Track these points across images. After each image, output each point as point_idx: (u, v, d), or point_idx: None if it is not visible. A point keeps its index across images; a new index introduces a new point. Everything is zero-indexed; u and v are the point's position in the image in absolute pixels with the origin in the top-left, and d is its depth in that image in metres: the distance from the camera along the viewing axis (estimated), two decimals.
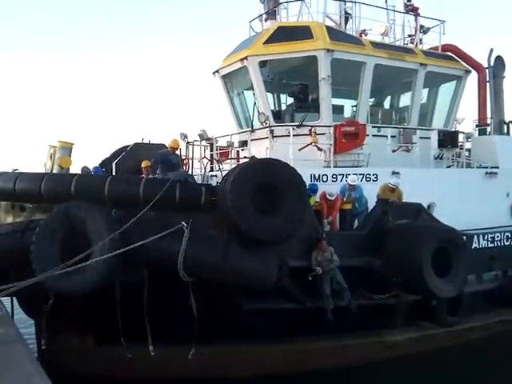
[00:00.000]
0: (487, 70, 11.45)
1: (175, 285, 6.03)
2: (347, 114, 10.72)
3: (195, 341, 6.42)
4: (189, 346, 6.50)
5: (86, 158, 9.24)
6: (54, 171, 7.89)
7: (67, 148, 8.12)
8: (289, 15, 10.38)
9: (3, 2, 36.69)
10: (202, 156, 10.07)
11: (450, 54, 11.35)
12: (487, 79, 11.46)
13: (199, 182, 9.02)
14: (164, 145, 8.90)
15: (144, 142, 9.67)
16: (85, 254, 5.34)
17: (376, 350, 7.84)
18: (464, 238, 8.05)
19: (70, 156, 8.09)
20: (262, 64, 9.65)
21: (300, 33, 9.57)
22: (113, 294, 6.21)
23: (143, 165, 8.43)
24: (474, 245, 8.79)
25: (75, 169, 8.24)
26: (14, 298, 7.00)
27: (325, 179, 8.61)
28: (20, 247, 6.01)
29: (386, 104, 11.85)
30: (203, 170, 9.83)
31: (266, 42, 9.64)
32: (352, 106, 10.77)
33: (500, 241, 9.14)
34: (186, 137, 9.92)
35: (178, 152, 8.53)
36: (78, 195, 6.22)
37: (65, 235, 5.85)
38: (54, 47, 46.39)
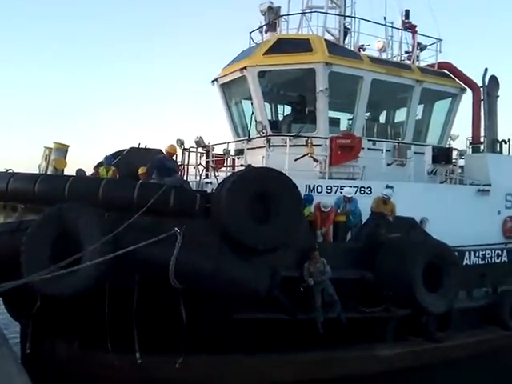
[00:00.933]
0: (482, 89, 11.68)
1: (165, 291, 5.95)
2: (343, 126, 10.83)
3: (183, 349, 6.31)
4: (176, 354, 6.39)
5: (82, 160, 9.18)
6: (49, 173, 7.83)
7: (62, 150, 8.08)
8: (289, 28, 10.54)
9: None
10: (198, 163, 10.07)
11: (445, 71, 11.56)
12: (481, 98, 11.68)
13: (194, 188, 8.99)
14: (160, 150, 8.90)
15: (140, 146, 9.64)
16: (75, 257, 5.26)
17: (366, 363, 7.80)
18: (456, 254, 8.11)
19: (65, 158, 8.05)
20: (261, 74, 9.74)
21: (299, 45, 9.69)
22: (102, 299, 6.11)
23: (140, 171, 8.42)
24: (465, 261, 8.85)
25: (70, 171, 8.18)
26: (0, 299, 6.88)
27: (319, 190, 8.64)
28: (10, 248, 5.91)
29: (382, 118, 12.00)
30: (198, 177, 9.83)
31: (266, 53, 9.74)
32: (348, 119, 10.88)
33: (491, 258, 9.21)
34: (182, 143, 9.92)
35: (174, 158, 8.54)
36: (72, 197, 6.16)
37: (56, 237, 5.77)
38: (60, 55, 46.45)
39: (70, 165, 8.16)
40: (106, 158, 8.79)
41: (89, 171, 8.82)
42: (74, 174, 8.02)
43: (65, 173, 7.97)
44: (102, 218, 5.95)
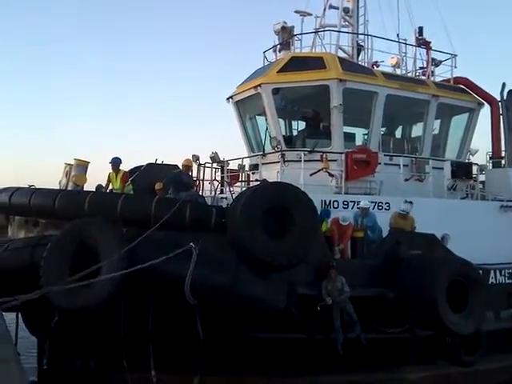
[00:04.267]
0: (500, 103, 11.48)
1: (181, 308, 5.86)
2: (359, 141, 10.75)
3: (200, 368, 6.15)
4: (193, 373, 6.23)
5: (101, 176, 9.30)
6: (69, 188, 7.97)
7: (83, 166, 8.21)
8: (302, 46, 10.70)
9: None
10: (213, 178, 10.10)
11: (462, 86, 11.45)
12: (500, 112, 11.46)
13: (209, 203, 8.98)
14: (177, 166, 8.98)
15: (157, 162, 9.77)
16: (90, 270, 5.25)
17: None
18: (480, 272, 7.76)
19: (85, 174, 8.18)
20: (275, 91, 9.84)
21: (313, 63, 9.80)
22: (117, 315, 6.05)
23: (157, 187, 8.46)
24: (491, 280, 8.46)
25: (90, 187, 8.30)
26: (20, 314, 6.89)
27: (336, 205, 8.50)
28: (30, 262, 5.99)
29: (398, 133, 11.88)
30: (214, 192, 9.83)
31: (280, 71, 9.88)
32: (363, 134, 10.81)
33: None
34: (198, 159, 10.04)
35: (190, 173, 8.57)
36: (91, 212, 6.24)
37: (76, 252, 5.82)
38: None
39: (91, 180, 8.31)
40: (113, 159, 8.46)
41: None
42: (94, 190, 8.13)
43: (85, 188, 8.08)
44: (120, 234, 5.98)
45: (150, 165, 9.60)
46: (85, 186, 8.16)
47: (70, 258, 5.76)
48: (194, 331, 6.03)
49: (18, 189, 7.22)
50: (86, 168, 8.29)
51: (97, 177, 9.21)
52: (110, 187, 8.59)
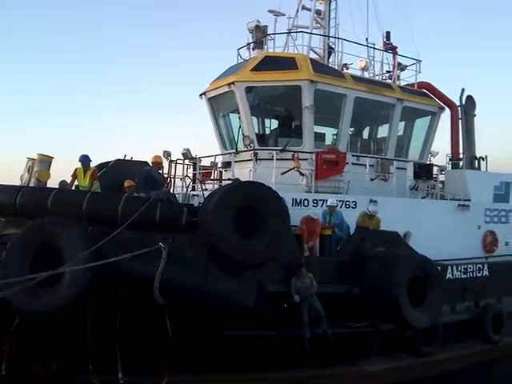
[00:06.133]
0: (459, 108, 12.17)
1: (150, 308, 5.78)
2: (328, 141, 11.02)
3: (169, 368, 6.11)
4: (161, 373, 6.18)
5: (65, 172, 8.98)
6: (31, 184, 7.61)
7: (46, 161, 7.86)
8: (275, 46, 10.79)
9: None
10: (185, 175, 10.00)
11: (425, 91, 12.02)
12: (459, 116, 12.15)
13: (180, 200, 8.89)
14: (146, 162, 8.77)
15: (126, 158, 9.50)
16: (54, 271, 5.07)
17: (351, 380, 7.71)
18: (439, 268, 8.23)
19: (48, 170, 7.83)
20: (249, 90, 9.87)
21: (285, 63, 9.92)
22: (83, 316, 5.87)
23: (126, 184, 8.21)
24: (448, 275, 8.99)
25: (53, 183, 7.95)
26: None
27: (306, 204, 8.70)
28: None
29: (365, 134, 12.29)
30: (185, 189, 9.74)
31: (253, 70, 9.92)
32: (333, 134, 11.09)
33: (472, 272, 9.39)
34: (169, 155, 9.88)
35: (160, 170, 8.39)
36: (55, 210, 5.98)
37: (37, 252, 5.56)
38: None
39: (54, 176, 7.97)
40: (83, 156, 8.15)
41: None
42: (58, 186, 7.79)
43: (48, 185, 7.73)
44: (85, 233, 5.76)
45: (118, 161, 9.35)
46: (48, 183, 7.81)
47: (32, 259, 5.51)
48: (163, 331, 5.98)
49: None
50: (50, 163, 7.93)
51: (61, 173, 8.82)
52: (76, 184, 8.26)
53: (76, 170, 8.20)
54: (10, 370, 6.27)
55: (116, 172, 8.94)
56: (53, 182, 8.00)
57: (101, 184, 8.39)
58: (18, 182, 7.95)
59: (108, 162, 9.35)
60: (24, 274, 5.32)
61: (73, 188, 8.12)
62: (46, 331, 6.23)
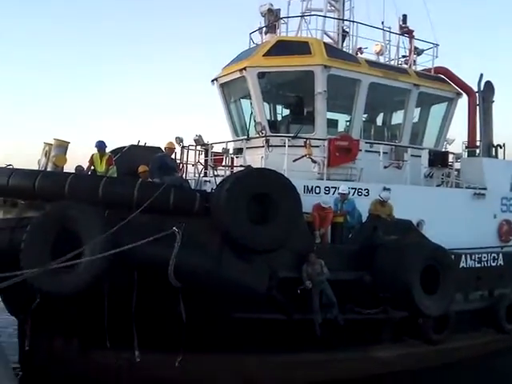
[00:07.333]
0: (477, 94, 11.79)
1: (165, 290, 5.91)
2: (341, 128, 10.85)
3: (183, 348, 6.27)
4: (176, 353, 6.35)
5: (81, 157, 9.16)
6: (49, 169, 7.79)
7: (63, 146, 7.99)
8: (288, 30, 10.57)
9: None
10: (197, 161, 10.05)
11: (442, 76, 11.67)
12: (477, 103, 11.79)
13: (193, 186, 8.95)
14: (160, 148, 8.84)
15: (140, 144, 9.57)
16: (73, 253, 5.20)
17: (363, 365, 7.76)
18: (452, 256, 8.14)
19: (65, 155, 7.98)
20: (261, 75, 9.74)
21: (299, 48, 9.72)
22: (101, 297, 6.07)
23: (140, 170, 8.34)
24: (462, 264, 8.88)
25: (70, 167, 8.12)
26: None
27: (318, 191, 8.64)
28: (10, 244, 5.91)
29: (379, 121, 12.05)
30: (197, 175, 9.78)
31: (266, 55, 9.76)
32: (346, 121, 10.91)
33: (487, 261, 9.26)
34: (181, 141, 9.92)
35: (173, 156, 8.45)
36: (72, 194, 6.15)
37: (56, 234, 5.75)
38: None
39: (70, 161, 8.12)
40: (99, 142, 8.25)
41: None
42: (74, 171, 7.93)
43: (65, 169, 7.90)
44: (101, 217, 5.92)
45: (132, 146, 9.44)
46: (64, 167, 7.95)
47: (51, 242, 5.70)
48: (178, 312, 6.13)
49: None
50: (66, 148, 8.05)
51: (77, 158, 8.97)
52: (92, 169, 8.38)
53: (92, 155, 8.32)
54: (32, 346, 6.54)
55: (130, 157, 9.05)
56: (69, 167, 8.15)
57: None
58: (35, 167, 8.10)
59: (122, 148, 9.45)
60: (45, 255, 5.53)
61: (89, 173, 8.25)
62: (66, 310, 6.46)
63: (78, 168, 8.47)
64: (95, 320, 6.29)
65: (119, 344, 6.43)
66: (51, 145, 8.00)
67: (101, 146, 8.30)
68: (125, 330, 6.28)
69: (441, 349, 8.28)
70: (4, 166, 7.17)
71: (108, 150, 8.59)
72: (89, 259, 5.26)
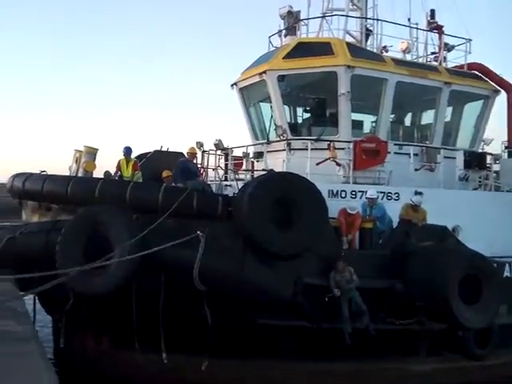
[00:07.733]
0: None
1: (191, 293, 6.02)
2: (367, 129, 10.43)
3: (208, 352, 6.31)
4: (202, 356, 6.41)
5: (109, 163, 9.65)
6: (79, 174, 8.21)
7: (92, 153, 8.42)
8: (309, 31, 10.36)
9: None
10: (217, 165, 10.01)
11: (476, 72, 11.00)
12: None
13: (214, 191, 8.94)
14: (182, 153, 9.01)
15: (163, 149, 9.72)
16: (106, 257, 5.55)
17: (396, 377, 7.25)
18: (495, 265, 7.48)
19: (94, 161, 8.37)
20: (281, 78, 9.55)
21: (320, 48, 9.49)
22: (129, 298, 6.25)
23: (164, 175, 8.52)
24: (506, 273, 8.17)
25: (98, 173, 8.54)
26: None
27: (343, 195, 8.27)
28: (45, 246, 6.24)
29: (407, 121, 11.51)
30: (218, 180, 9.70)
31: (286, 57, 9.58)
32: (372, 122, 10.48)
33: None
34: (201, 146, 10.00)
35: (194, 160, 8.65)
36: (102, 199, 6.47)
37: (88, 238, 6.08)
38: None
39: (99, 167, 8.54)
40: (126, 148, 8.71)
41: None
42: (102, 176, 8.29)
43: (94, 175, 8.27)
44: (130, 221, 6.19)
45: (156, 152, 9.57)
46: (93, 173, 8.32)
47: (84, 244, 6.03)
48: (202, 315, 6.17)
49: (31, 175, 7.55)
50: (95, 155, 8.49)
51: (104, 163, 9.31)
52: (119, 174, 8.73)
53: (119, 161, 8.68)
54: (67, 344, 6.88)
55: (154, 162, 9.27)
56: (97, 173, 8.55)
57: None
58: (66, 172, 8.62)
59: (147, 153, 9.60)
60: (78, 257, 5.85)
61: (116, 178, 8.59)
62: (98, 310, 6.68)
63: (106, 173, 8.75)
64: (125, 321, 6.48)
65: (148, 345, 6.60)
66: (81, 151, 8.44)
67: (127, 151, 8.66)
68: (153, 331, 6.44)
69: (485, 365, 7.55)
70: (39, 172, 7.68)
71: (133, 155, 8.91)
72: (118, 260, 5.56)
